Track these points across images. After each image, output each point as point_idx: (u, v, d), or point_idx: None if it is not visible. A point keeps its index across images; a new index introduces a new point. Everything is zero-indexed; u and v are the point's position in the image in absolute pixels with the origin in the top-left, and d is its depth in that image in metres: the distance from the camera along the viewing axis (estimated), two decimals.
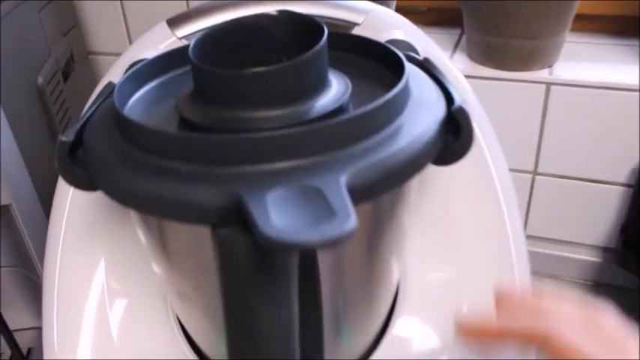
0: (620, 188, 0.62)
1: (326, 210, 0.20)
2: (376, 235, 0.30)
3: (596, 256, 0.67)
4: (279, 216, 0.20)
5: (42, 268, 0.52)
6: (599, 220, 0.65)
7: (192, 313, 0.34)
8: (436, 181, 0.41)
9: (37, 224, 0.49)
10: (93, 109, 0.32)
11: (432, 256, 0.41)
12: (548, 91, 0.60)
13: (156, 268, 0.34)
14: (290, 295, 0.22)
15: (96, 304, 0.39)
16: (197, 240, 0.27)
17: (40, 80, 0.51)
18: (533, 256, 0.70)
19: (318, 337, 0.29)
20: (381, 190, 0.25)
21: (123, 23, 0.73)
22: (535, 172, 0.65)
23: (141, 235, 0.32)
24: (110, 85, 0.35)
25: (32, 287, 0.56)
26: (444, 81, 0.31)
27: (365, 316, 0.35)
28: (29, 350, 0.57)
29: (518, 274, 0.41)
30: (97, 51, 0.75)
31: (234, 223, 0.22)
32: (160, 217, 0.25)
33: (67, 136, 0.28)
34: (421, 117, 0.28)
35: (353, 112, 0.25)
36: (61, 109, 0.56)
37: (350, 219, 0.19)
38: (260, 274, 0.22)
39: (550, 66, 0.61)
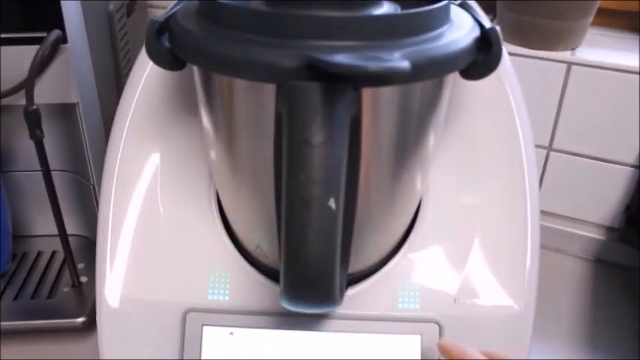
0: (629, 169, 0.66)
1: (383, 61, 0.25)
2: (408, 132, 0.35)
3: (600, 234, 0.72)
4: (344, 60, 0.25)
5: (94, 172, 0.57)
6: (605, 199, 0.70)
7: (242, 193, 0.39)
8: (464, 120, 0.45)
9: (95, 127, 0.54)
10: (175, 9, 0.37)
11: (453, 187, 0.46)
12: (568, 70, 0.64)
13: (213, 154, 0.39)
14: (343, 137, 0.27)
15: (147, 185, 0.45)
16: (261, 106, 0.32)
17: (110, 7, 0.57)
18: (542, 230, 0.74)
19: (353, 203, 0.34)
20: (425, 75, 0.30)
21: None
22: (550, 148, 0.69)
23: (206, 116, 0.37)
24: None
25: (80, 193, 0.61)
26: (477, 16, 0.36)
27: (386, 217, 0.40)
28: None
29: (530, 216, 0.45)
30: (154, 4, 0.82)
31: (302, 79, 0.27)
32: (241, 77, 0.30)
33: (157, 18, 0.34)
34: (459, 32, 0.33)
35: (406, 11, 0.30)
36: (123, 38, 0.62)
37: (403, 62, 0.24)
38: (321, 115, 0.27)
39: (573, 48, 0.66)
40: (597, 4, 0.64)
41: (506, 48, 0.47)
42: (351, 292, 0.42)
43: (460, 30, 0.33)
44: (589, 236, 0.72)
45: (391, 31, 0.30)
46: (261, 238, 0.41)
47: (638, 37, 0.71)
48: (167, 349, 0.42)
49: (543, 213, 0.74)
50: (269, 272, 0.43)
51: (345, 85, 0.27)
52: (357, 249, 0.39)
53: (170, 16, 0.35)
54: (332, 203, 0.27)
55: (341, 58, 0.26)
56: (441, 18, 0.33)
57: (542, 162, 0.71)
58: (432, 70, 0.30)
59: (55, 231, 0.62)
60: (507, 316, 0.42)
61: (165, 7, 0.35)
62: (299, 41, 0.29)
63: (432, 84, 0.34)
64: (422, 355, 0.41)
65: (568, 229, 0.73)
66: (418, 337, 0.42)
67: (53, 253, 0.63)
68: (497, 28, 0.34)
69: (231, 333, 0.42)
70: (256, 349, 0.42)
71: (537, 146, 0.69)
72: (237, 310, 0.42)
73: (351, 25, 0.29)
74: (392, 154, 0.35)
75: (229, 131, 0.35)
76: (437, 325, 0.42)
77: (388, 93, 0.32)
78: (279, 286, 0.33)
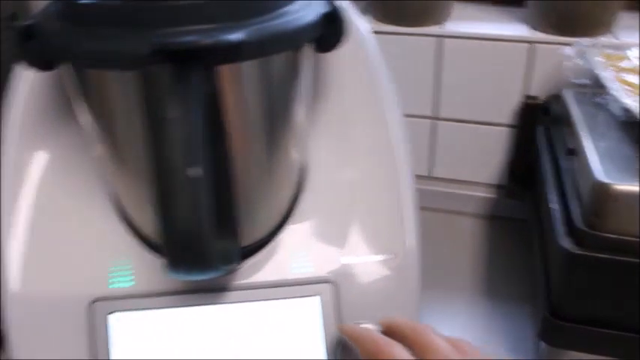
0: (507, 129, 0.73)
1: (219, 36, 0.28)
2: (268, 106, 0.38)
3: (490, 193, 0.78)
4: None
5: None
6: (491, 161, 0.75)
7: (129, 180, 0.41)
8: (334, 98, 0.49)
9: None
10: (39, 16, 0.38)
11: (332, 162, 0.49)
12: (440, 43, 0.70)
13: (96, 148, 0.41)
14: (197, 112, 0.30)
15: (39, 185, 0.46)
16: (126, 93, 0.34)
17: None
18: (438, 195, 0.80)
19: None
20: (269, 49, 0.33)
21: None
22: (436, 118, 0.74)
23: (81, 112, 0.39)
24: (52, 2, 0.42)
25: None
26: None
27: (267, 188, 0.43)
28: None
29: (403, 187, 0.49)
30: None
31: (154, 63, 0.30)
32: (99, 68, 0.33)
33: (23, 23, 0.35)
34: (306, 11, 0.36)
35: None
36: (8, 52, 0.62)
37: (236, 35, 0.28)
38: (175, 93, 0.29)
39: (442, 23, 0.71)
40: None
41: (380, 28, 0.52)
42: (247, 263, 0.45)
43: (308, 10, 0.37)
44: (481, 196, 0.78)
45: (235, 13, 0.33)
46: (148, 219, 0.43)
47: (496, 8, 0.77)
48: (77, 341, 0.44)
49: (439, 179, 0.79)
50: None
51: (193, 63, 0.30)
52: (246, 219, 0.42)
53: (35, 20, 0.36)
54: (192, 172, 0.30)
55: (183, 38, 0.29)
56: None
57: (430, 131, 0.76)
58: (274, 45, 0.34)
59: None
60: (391, 267, 0.46)
61: None
62: (152, 30, 0.32)
63: (285, 59, 0.37)
64: (322, 314, 0.45)
65: (462, 192, 0.79)
66: (317, 298, 0.45)
67: None
68: (342, 3, 0.38)
69: (138, 317, 0.44)
70: (164, 329, 0.44)
71: (423, 117, 0.75)
72: (141, 294, 0.44)
73: (198, 11, 0.32)
74: (257, 126, 0.38)
75: (105, 122, 0.38)
76: (331, 285, 0.45)
77: (241, 70, 0.35)
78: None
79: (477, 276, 0.69)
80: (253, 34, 0.31)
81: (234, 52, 0.31)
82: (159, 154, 0.30)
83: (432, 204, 0.78)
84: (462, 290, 0.67)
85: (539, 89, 0.69)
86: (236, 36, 0.28)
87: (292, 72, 0.39)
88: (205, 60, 0.31)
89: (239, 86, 0.36)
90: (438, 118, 0.75)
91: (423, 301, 0.47)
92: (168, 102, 0.30)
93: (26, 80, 0.46)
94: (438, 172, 0.79)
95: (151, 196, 0.38)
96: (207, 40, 0.28)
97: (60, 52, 0.33)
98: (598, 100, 0.55)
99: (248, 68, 0.35)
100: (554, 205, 0.49)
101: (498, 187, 0.77)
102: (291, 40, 0.35)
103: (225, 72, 0.34)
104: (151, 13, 0.32)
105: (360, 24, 0.48)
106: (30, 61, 0.36)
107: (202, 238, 0.32)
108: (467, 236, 0.76)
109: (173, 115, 0.30)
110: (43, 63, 0.36)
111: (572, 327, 0.46)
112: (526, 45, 0.67)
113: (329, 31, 0.37)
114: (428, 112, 0.75)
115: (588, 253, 0.43)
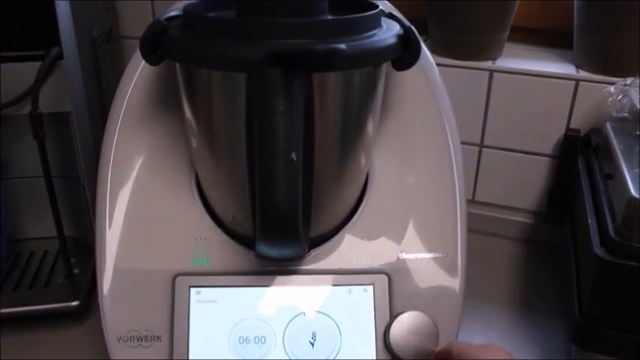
0: (548, 159, 0.78)
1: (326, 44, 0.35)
2: (349, 113, 0.45)
3: (529, 218, 0.82)
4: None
5: (85, 174, 0.65)
6: (532, 188, 0.81)
7: (219, 172, 0.48)
8: (400, 117, 0.55)
9: (85, 133, 0.62)
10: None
11: (393, 169, 0.55)
12: (491, 77, 0.76)
13: (194, 141, 0.48)
14: (298, 109, 0.37)
15: (136, 175, 0.53)
16: (234, 92, 0.41)
17: (94, 33, 0.66)
18: (480, 218, 0.84)
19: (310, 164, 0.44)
20: (361, 62, 0.40)
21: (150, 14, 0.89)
22: (481, 145, 0.80)
23: (188, 108, 0.46)
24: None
25: (69, 197, 0.68)
26: (402, 21, 0.47)
27: (337, 186, 0.49)
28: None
29: (456, 194, 0.55)
30: (125, 35, 0.90)
31: (266, 67, 0.37)
32: (221, 69, 0.40)
33: (150, 31, 0.43)
34: (387, 34, 0.43)
35: (350, 16, 0.41)
36: (104, 61, 0.71)
37: (341, 45, 0.34)
38: (282, 91, 0.36)
39: (494, 59, 0.77)
40: (511, 21, 0.76)
41: (438, 60, 0.58)
42: (314, 252, 0.51)
43: (388, 32, 0.44)
44: (520, 221, 0.83)
45: (335, 31, 0.40)
46: (236, 209, 0.50)
47: (547, 50, 0.83)
48: (161, 308, 0.50)
49: (480, 203, 0.84)
50: (243, 240, 0.51)
51: (298, 68, 0.37)
52: (317, 213, 0.48)
53: (160, 30, 0.44)
54: (293, 156, 0.37)
55: (295, 45, 0.35)
56: (374, 23, 0.43)
57: (476, 158, 0.81)
58: (366, 59, 0.40)
59: (43, 234, 0.70)
60: (440, 265, 0.52)
61: (136, 38, 0.44)
62: (260, 41, 0.38)
63: (367, 74, 0.44)
64: (374, 299, 0.50)
65: (502, 216, 0.84)
66: (371, 287, 0.51)
67: (45, 252, 0.70)
68: (413, 27, 0.44)
69: (214, 292, 0.50)
70: (236, 304, 0.50)
71: (470, 144, 0.81)
72: (218, 272, 0.51)
73: (304, 27, 0.39)
74: (338, 130, 0.45)
75: (208, 117, 0.45)
76: (386, 276, 0.51)
77: (332, 79, 0.41)
78: (256, 234, 0.42)
79: (512, 292, 0.73)
80: (352, 47, 0.37)
81: (332, 61, 0.37)
82: (266, 140, 0.37)
83: (474, 226, 0.83)
84: (498, 303, 0.71)
85: (580, 123, 0.74)
86: (339, 46, 0.35)
87: (369, 87, 0.45)
88: (307, 66, 0.38)
89: (325, 94, 0.42)
90: (483, 146, 0.80)
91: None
92: (276, 98, 0.37)
93: (132, 80, 0.54)
94: (481, 197, 0.84)
95: (249, 180, 0.45)
96: (318, 47, 0.34)
97: (187, 54, 0.41)
98: (637, 132, 0.60)
99: (334, 79, 0.42)
100: (591, 219, 0.54)
101: (537, 213, 0.82)
102: (378, 57, 0.41)
103: (317, 80, 0.41)
104: (262, 27, 0.39)
105: (426, 51, 0.54)
106: (149, 59, 0.43)
107: (297, 214, 0.38)
108: (505, 258, 0.80)
109: (281, 108, 0.36)
110: (155, 60, 0.43)
111: (602, 331, 0.51)
112: (570, 82, 0.73)
113: (406, 52, 0.44)
114: (475, 140, 0.80)
115: (619, 261, 0.48)
